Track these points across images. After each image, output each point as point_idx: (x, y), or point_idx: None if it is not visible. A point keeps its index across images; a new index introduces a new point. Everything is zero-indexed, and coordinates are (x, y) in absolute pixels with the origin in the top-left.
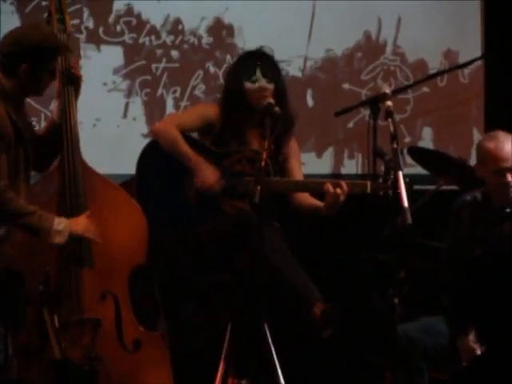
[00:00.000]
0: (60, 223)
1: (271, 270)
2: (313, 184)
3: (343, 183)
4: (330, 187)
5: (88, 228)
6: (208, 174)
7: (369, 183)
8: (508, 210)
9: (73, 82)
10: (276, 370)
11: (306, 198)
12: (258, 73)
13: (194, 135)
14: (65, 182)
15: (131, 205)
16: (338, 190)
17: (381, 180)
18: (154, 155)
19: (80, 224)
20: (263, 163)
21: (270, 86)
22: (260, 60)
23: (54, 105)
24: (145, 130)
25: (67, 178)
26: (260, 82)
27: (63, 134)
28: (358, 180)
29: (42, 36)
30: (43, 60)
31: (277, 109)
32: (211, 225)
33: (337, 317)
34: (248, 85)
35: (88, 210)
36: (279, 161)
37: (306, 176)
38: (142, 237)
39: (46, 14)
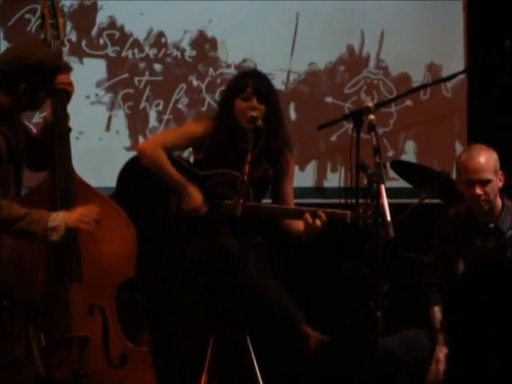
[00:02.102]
0: (54, 219)
1: (253, 290)
2: (292, 212)
3: (322, 214)
4: (308, 218)
5: (82, 218)
6: (194, 197)
7: (348, 213)
8: (491, 226)
9: (66, 94)
10: (258, 382)
11: (288, 221)
12: (250, 91)
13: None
14: (56, 185)
15: (122, 217)
16: (317, 222)
17: (361, 210)
18: (134, 172)
19: (74, 214)
20: (245, 177)
21: (261, 106)
22: (253, 79)
23: (47, 110)
24: (128, 143)
25: (58, 182)
26: (252, 100)
27: (55, 140)
28: (338, 210)
29: (43, 56)
30: (43, 80)
31: (259, 122)
32: (194, 247)
33: (330, 349)
34: (239, 102)
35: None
36: (270, 180)
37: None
38: (131, 250)
39: (37, 22)
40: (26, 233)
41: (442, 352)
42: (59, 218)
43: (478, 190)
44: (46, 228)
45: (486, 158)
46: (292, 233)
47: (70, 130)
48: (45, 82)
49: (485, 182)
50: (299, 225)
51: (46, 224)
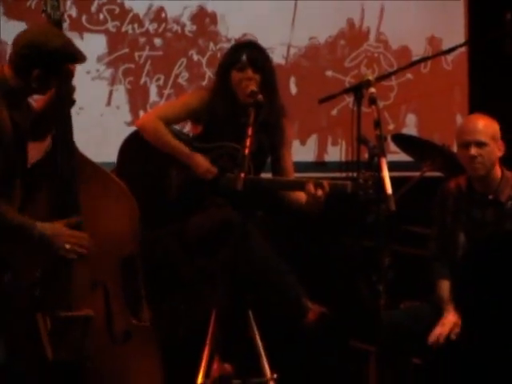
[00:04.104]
0: (40, 231)
1: (254, 264)
2: (294, 183)
3: (325, 184)
4: (311, 187)
5: (69, 245)
6: (201, 163)
7: (349, 183)
8: (491, 197)
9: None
10: (261, 355)
11: (291, 193)
12: (245, 61)
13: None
14: (58, 179)
15: (124, 193)
16: (319, 192)
17: (361, 180)
18: (135, 147)
19: (62, 239)
20: (246, 151)
21: (257, 76)
22: (248, 49)
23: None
24: (128, 118)
25: (60, 175)
26: (247, 71)
27: (56, 124)
28: (339, 181)
29: (60, 44)
30: (57, 68)
31: (260, 97)
32: (196, 220)
33: (331, 322)
34: (235, 73)
35: (80, 212)
36: (268, 151)
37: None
38: (134, 226)
39: None
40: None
41: (447, 319)
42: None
43: (473, 151)
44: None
45: (484, 122)
46: (294, 205)
47: (74, 102)
48: (58, 69)
49: (481, 145)
50: (301, 197)
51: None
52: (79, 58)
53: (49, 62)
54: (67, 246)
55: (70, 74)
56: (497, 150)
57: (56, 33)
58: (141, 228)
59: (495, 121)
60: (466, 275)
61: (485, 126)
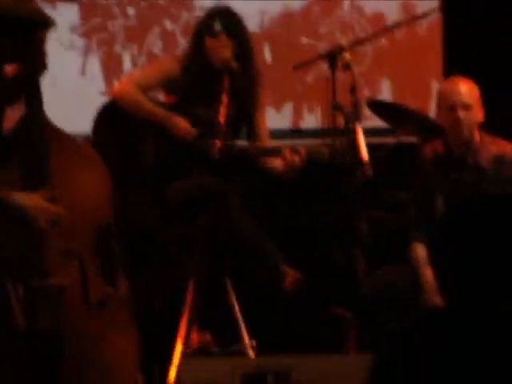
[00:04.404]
0: (17, 200)
1: (232, 230)
2: (271, 149)
3: (301, 150)
4: (287, 154)
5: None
6: (182, 124)
7: (325, 150)
8: (470, 161)
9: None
10: (239, 322)
11: (267, 159)
12: (219, 27)
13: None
14: (28, 149)
15: (96, 162)
16: (296, 158)
17: (337, 146)
18: (109, 117)
19: (37, 211)
20: (221, 118)
21: (231, 42)
22: (222, 16)
23: None
24: (102, 87)
25: (31, 145)
26: (220, 37)
27: (26, 94)
28: (315, 145)
29: (28, 10)
30: (27, 35)
31: (234, 63)
32: (173, 187)
33: (305, 287)
34: (209, 40)
35: (52, 184)
36: (243, 118)
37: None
38: (107, 195)
39: None
40: None
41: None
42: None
43: (461, 114)
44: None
45: (468, 85)
46: (271, 172)
47: (45, 67)
48: (28, 36)
49: (467, 107)
50: (278, 163)
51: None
52: (48, 22)
53: (17, 30)
54: (43, 218)
55: (40, 41)
56: (479, 114)
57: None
58: (116, 197)
59: (476, 85)
60: (443, 238)
61: (470, 89)
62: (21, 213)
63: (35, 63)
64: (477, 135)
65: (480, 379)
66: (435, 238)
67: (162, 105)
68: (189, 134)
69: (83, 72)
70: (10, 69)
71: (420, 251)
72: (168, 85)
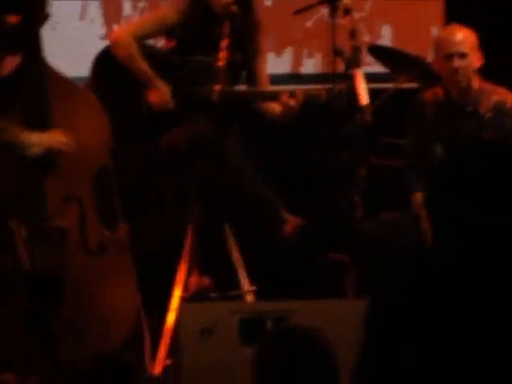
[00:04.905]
0: (30, 136)
1: (231, 177)
2: (269, 93)
3: (299, 92)
4: (285, 97)
5: (61, 140)
6: (162, 92)
7: (323, 93)
8: (469, 108)
9: None
10: (238, 267)
11: (265, 103)
12: None
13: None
14: (29, 92)
15: (95, 106)
16: (292, 101)
17: (336, 89)
18: (108, 62)
19: (57, 138)
20: (221, 63)
21: None
22: None
23: None
24: (102, 31)
25: (31, 88)
26: None
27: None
28: (313, 88)
29: None
30: None
31: (234, 8)
32: (170, 135)
33: (308, 233)
34: None
35: (52, 125)
36: (243, 64)
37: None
38: (105, 139)
39: None
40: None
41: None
42: (35, 138)
43: (457, 63)
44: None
45: (464, 33)
46: (269, 115)
47: (48, 16)
48: None
49: (463, 56)
50: (276, 107)
51: (25, 138)
52: None
53: None
54: (37, 145)
55: None
56: (476, 61)
57: None
58: (113, 143)
59: (473, 31)
60: (438, 187)
61: (465, 37)
62: (21, 144)
63: (37, 15)
64: (476, 83)
65: (473, 324)
66: (431, 187)
67: (161, 51)
68: (165, 105)
69: (83, 16)
70: (12, 19)
71: (420, 200)
72: (168, 32)
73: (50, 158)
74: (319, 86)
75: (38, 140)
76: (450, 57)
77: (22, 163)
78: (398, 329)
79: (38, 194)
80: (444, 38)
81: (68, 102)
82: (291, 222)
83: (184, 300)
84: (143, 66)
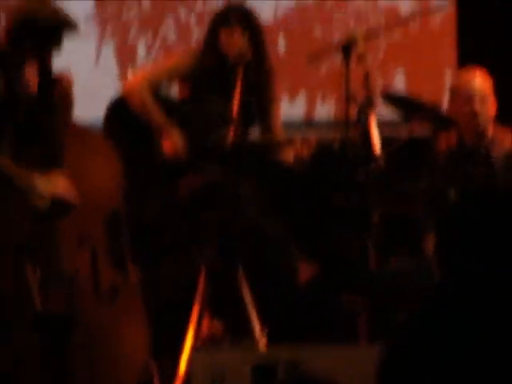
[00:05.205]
0: (39, 184)
1: (246, 224)
2: (283, 142)
3: (312, 141)
4: (297, 146)
5: (68, 191)
6: (175, 140)
7: (336, 142)
8: (482, 153)
9: None
10: (251, 312)
11: (279, 151)
12: (234, 21)
13: None
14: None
15: (108, 150)
16: (305, 150)
17: (349, 138)
18: (122, 110)
19: (60, 187)
20: (235, 110)
21: (246, 35)
22: (236, 10)
23: None
24: (116, 77)
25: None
26: (235, 30)
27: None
28: (326, 139)
29: (51, 13)
30: (50, 38)
31: (248, 55)
32: (184, 182)
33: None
34: (223, 33)
35: (65, 166)
36: (257, 111)
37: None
38: (118, 182)
39: None
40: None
41: None
42: (43, 187)
43: (477, 106)
44: (33, 191)
45: (483, 77)
46: (282, 163)
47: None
48: (51, 39)
49: (483, 99)
50: (289, 155)
51: (32, 186)
52: (70, 26)
53: (41, 33)
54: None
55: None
56: (493, 106)
57: (47, 2)
58: (126, 188)
59: (489, 76)
60: (451, 229)
61: (485, 81)
62: (38, 190)
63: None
64: (490, 128)
65: (486, 366)
66: (441, 231)
67: (175, 101)
68: (178, 152)
69: (97, 61)
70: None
71: (431, 242)
72: (180, 79)
73: (57, 207)
74: (332, 134)
75: (44, 190)
76: (469, 100)
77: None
78: (411, 377)
79: (50, 236)
80: (463, 82)
81: (80, 144)
82: (306, 269)
83: (195, 348)
84: (157, 113)
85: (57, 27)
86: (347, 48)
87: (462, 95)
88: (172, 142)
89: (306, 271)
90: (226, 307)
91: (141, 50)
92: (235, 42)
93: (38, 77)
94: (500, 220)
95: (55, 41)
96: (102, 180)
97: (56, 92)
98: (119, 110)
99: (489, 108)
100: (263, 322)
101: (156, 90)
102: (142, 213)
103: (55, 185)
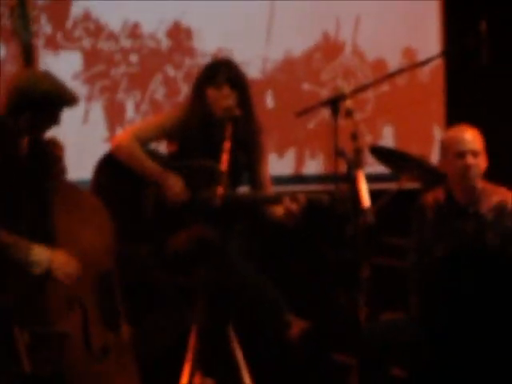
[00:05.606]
0: (37, 254)
1: (235, 280)
2: (271, 198)
3: (301, 197)
4: (287, 202)
5: (67, 270)
6: (174, 183)
7: (325, 197)
8: (471, 209)
9: None
10: (242, 370)
11: (268, 207)
12: (222, 78)
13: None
14: (33, 204)
15: (100, 209)
16: (295, 206)
17: (338, 193)
18: (111, 165)
19: (61, 263)
20: (224, 166)
21: (234, 93)
22: (224, 66)
23: None
24: (105, 134)
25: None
26: (223, 88)
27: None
28: (315, 194)
29: (48, 88)
30: (48, 112)
31: (237, 111)
32: (173, 238)
33: (313, 336)
34: (211, 90)
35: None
36: (245, 167)
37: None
38: (109, 242)
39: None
40: (12, 261)
41: None
42: (42, 256)
43: (470, 161)
44: (29, 259)
45: (475, 133)
46: (272, 219)
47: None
48: (49, 113)
49: (475, 154)
50: (278, 211)
51: (29, 256)
52: (69, 101)
53: (39, 107)
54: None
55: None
56: (484, 161)
57: (45, 77)
58: (117, 245)
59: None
60: (439, 286)
61: (477, 136)
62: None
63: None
64: (479, 183)
65: None
66: (427, 289)
67: (163, 156)
68: (179, 196)
69: (86, 119)
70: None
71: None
72: (169, 136)
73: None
74: (321, 189)
75: (40, 260)
76: (462, 155)
77: (26, 273)
78: None
79: (40, 299)
80: (455, 137)
81: (70, 205)
82: (297, 325)
83: None
84: (149, 163)
85: (55, 102)
86: (335, 103)
87: (452, 151)
88: (172, 185)
89: (298, 325)
90: (217, 364)
91: (129, 108)
92: (224, 99)
93: (28, 148)
94: (491, 277)
95: (51, 116)
96: (92, 242)
97: (49, 157)
98: (109, 164)
99: (481, 163)
100: (254, 378)
101: (144, 145)
102: (131, 265)
103: (55, 259)
